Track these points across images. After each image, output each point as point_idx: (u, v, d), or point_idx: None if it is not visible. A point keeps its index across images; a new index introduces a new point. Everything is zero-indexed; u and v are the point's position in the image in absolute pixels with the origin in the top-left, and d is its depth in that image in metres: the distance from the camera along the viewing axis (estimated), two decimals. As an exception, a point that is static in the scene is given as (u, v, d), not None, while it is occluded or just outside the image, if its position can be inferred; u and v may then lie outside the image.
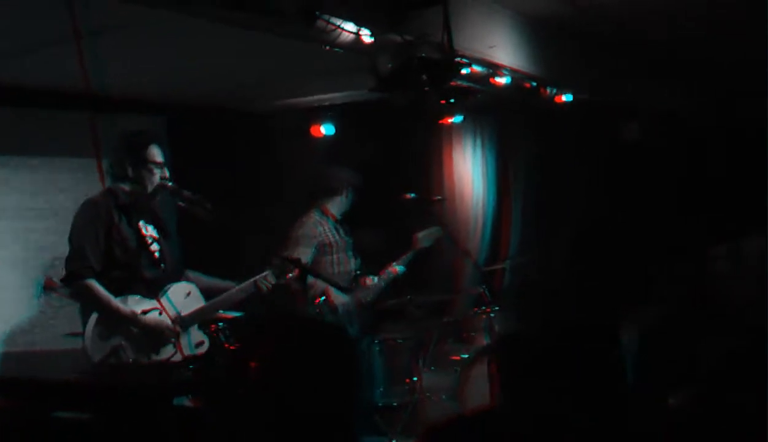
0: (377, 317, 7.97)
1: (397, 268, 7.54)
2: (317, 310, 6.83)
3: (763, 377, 3.47)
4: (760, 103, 7.93)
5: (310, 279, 6.36)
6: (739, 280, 6.99)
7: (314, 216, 7.38)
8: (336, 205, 7.50)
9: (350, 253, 7.48)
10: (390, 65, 5.76)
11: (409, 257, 7.59)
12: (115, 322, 5.25)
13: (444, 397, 7.49)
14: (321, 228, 7.33)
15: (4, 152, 6.98)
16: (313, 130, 8.66)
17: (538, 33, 7.35)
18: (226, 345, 5.88)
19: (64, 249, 5.40)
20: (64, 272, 5.31)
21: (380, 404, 7.58)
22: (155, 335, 5.36)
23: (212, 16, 5.01)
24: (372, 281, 7.52)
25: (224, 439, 3.48)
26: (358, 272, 7.52)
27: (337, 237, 7.40)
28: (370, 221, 8.20)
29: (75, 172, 7.25)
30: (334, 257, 7.33)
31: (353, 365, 3.23)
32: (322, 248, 7.27)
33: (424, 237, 7.60)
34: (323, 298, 6.91)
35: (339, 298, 7.19)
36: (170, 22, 5.35)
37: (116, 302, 5.25)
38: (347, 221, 7.59)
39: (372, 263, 7.63)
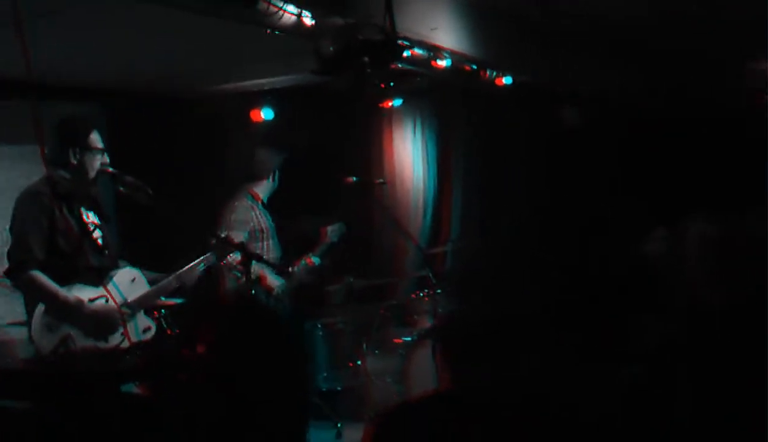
0: (318, 301, 7.99)
1: (312, 259, 7.54)
2: (252, 293, 6.82)
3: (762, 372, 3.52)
4: (703, 92, 8.06)
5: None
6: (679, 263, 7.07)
7: (246, 201, 7.35)
8: (263, 189, 7.48)
9: (275, 240, 7.46)
10: (332, 48, 5.73)
11: (322, 249, 7.61)
12: (63, 312, 5.16)
13: (389, 380, 7.52)
14: (253, 213, 7.31)
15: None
16: (252, 114, 8.60)
17: (480, 15, 7.36)
18: (169, 331, 5.84)
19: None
20: (5, 265, 5.22)
21: (324, 389, 7.59)
22: (104, 323, 5.29)
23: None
24: (290, 269, 7.52)
25: (171, 425, 3.45)
26: (280, 259, 7.52)
27: (266, 223, 7.38)
28: (310, 205, 8.20)
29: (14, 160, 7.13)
30: (264, 243, 7.31)
31: (297, 347, 3.21)
32: (254, 234, 7.25)
33: (332, 232, 7.63)
34: (256, 280, 6.89)
35: (274, 282, 7.19)
36: (106, 6, 5.28)
37: (62, 291, 5.17)
38: (272, 206, 7.57)
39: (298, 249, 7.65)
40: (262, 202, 7.45)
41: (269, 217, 7.44)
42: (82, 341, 5.18)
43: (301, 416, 3.14)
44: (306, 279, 7.57)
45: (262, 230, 7.30)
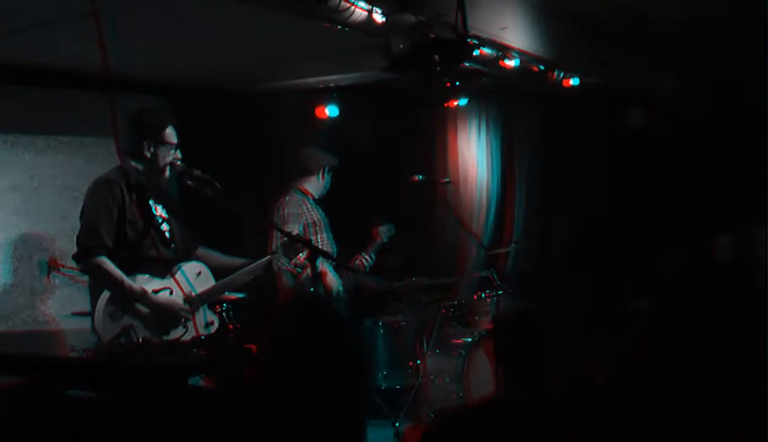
0: (376, 300, 7.97)
1: (364, 258, 7.53)
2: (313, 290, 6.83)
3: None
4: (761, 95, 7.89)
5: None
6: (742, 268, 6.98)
7: (296, 195, 7.34)
8: (313, 185, 7.46)
9: (329, 234, 7.45)
10: (402, 46, 5.70)
11: (375, 248, 7.61)
12: (126, 301, 5.21)
13: (447, 380, 7.49)
14: (305, 207, 7.29)
15: (16, 131, 6.92)
16: (317, 111, 8.60)
17: (549, 16, 7.28)
18: (230, 326, 5.86)
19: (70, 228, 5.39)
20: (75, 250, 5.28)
21: (383, 387, 7.58)
22: (166, 315, 5.34)
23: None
24: (350, 264, 7.52)
25: (235, 420, 3.44)
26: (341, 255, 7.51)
27: (317, 218, 7.37)
28: (374, 205, 8.18)
29: (88, 151, 7.18)
30: (319, 236, 7.29)
31: (357, 345, 3.20)
32: (307, 228, 7.23)
33: (383, 232, 7.62)
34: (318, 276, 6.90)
35: (334, 280, 7.18)
36: (172, 1, 5.30)
37: (128, 280, 5.21)
38: (328, 202, 7.57)
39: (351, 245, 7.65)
40: (313, 198, 7.44)
41: (321, 211, 7.43)
42: (143, 332, 5.23)
43: (359, 414, 3.13)
44: (365, 277, 7.57)
45: (314, 223, 7.28)
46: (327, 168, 7.45)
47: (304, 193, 7.39)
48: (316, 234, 7.27)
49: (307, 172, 7.45)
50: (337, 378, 3.03)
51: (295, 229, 7.00)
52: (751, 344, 3.33)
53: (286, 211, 7.17)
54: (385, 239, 7.64)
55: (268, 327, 4.66)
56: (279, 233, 6.61)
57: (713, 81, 8.43)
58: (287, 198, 7.29)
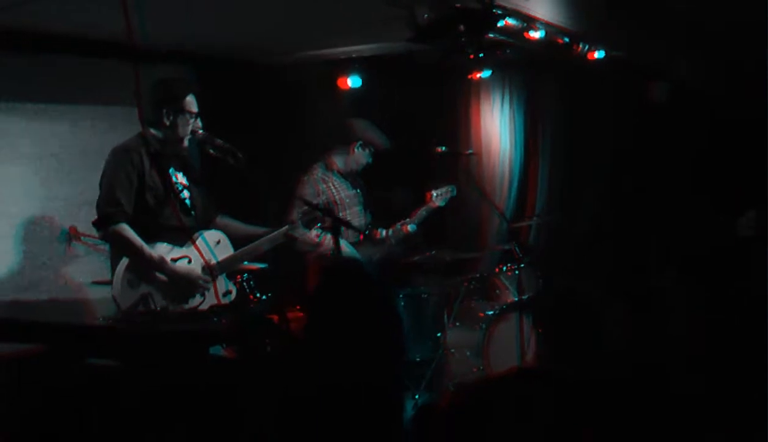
0: (399, 271, 7.93)
1: (408, 226, 7.47)
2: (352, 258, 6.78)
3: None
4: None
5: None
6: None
7: (317, 172, 7.28)
8: (342, 159, 7.39)
9: (360, 208, 7.40)
10: (427, 15, 5.66)
11: (421, 215, 7.52)
12: (145, 268, 5.22)
13: (468, 353, 7.48)
14: (324, 185, 7.23)
15: (35, 100, 6.90)
16: (339, 82, 8.54)
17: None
18: (251, 296, 5.85)
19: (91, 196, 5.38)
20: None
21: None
22: (184, 283, 5.34)
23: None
24: (380, 234, 7.46)
25: (259, 389, 3.43)
26: (369, 226, 7.46)
27: (344, 193, 7.31)
28: (397, 175, 8.14)
29: (110, 119, 7.16)
30: (343, 213, 7.23)
31: (393, 310, 3.18)
32: (328, 205, 7.18)
33: (438, 196, 7.52)
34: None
35: (349, 251, 7.14)
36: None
37: (147, 247, 5.22)
38: (360, 175, 7.51)
39: (389, 217, 7.58)
40: (341, 172, 7.38)
41: (349, 185, 7.37)
42: (161, 301, 5.24)
43: (396, 385, 3.11)
44: (394, 247, 7.52)
45: (336, 202, 7.23)
46: (360, 143, 7.37)
47: (328, 167, 7.34)
48: (340, 211, 7.21)
49: (340, 145, 7.39)
50: (371, 345, 3.01)
51: (314, 201, 6.96)
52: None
53: (302, 193, 7.12)
54: (442, 204, 7.57)
55: (297, 296, 4.65)
56: (299, 204, 6.59)
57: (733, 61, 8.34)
58: (305, 177, 7.25)
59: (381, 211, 7.63)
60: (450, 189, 7.56)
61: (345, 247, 7.06)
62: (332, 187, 7.26)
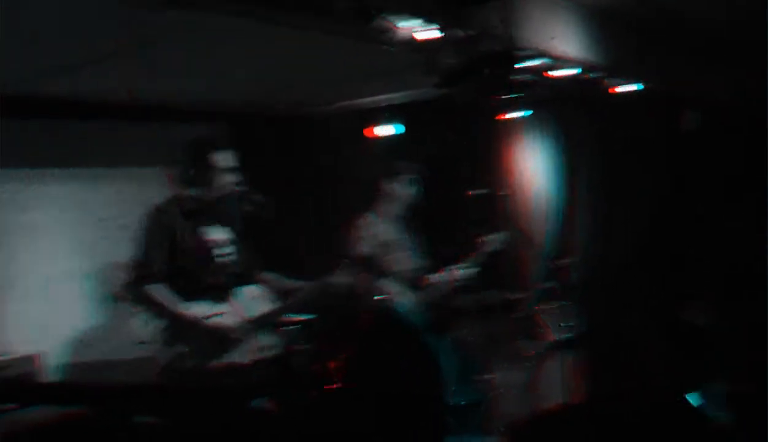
0: (447, 316, 7.92)
1: (459, 271, 7.44)
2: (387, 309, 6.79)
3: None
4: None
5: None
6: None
7: (368, 218, 7.29)
8: (389, 204, 7.39)
9: (408, 253, 7.39)
10: (453, 61, 5.72)
11: (473, 260, 7.50)
12: (179, 327, 5.29)
13: (517, 393, 7.45)
14: (375, 229, 7.23)
15: (68, 165, 7.05)
16: (368, 131, 8.60)
17: (598, 23, 7.27)
18: (294, 348, 5.88)
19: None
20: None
21: (452, 403, 7.54)
22: (218, 340, 5.37)
23: (264, 17, 4.97)
24: (429, 279, 7.44)
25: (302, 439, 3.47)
26: (419, 271, 7.45)
27: (393, 237, 7.30)
28: (436, 218, 8.16)
29: (140, 182, 7.28)
30: (391, 258, 7.23)
31: (433, 361, 3.21)
32: (373, 253, 7.15)
33: (493, 241, 7.52)
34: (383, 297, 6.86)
35: (394, 300, 7.13)
36: (221, 27, 5.35)
37: (178, 307, 5.28)
38: (408, 219, 7.52)
39: (437, 261, 7.57)
40: (390, 217, 7.37)
41: (397, 230, 7.36)
42: (195, 358, 5.29)
43: (438, 432, 3.14)
44: (442, 292, 7.47)
45: (386, 245, 7.22)
46: (396, 183, 7.39)
47: (377, 213, 7.34)
48: (392, 256, 7.22)
49: (384, 192, 7.39)
50: (414, 395, 3.04)
51: (362, 251, 6.99)
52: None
53: (354, 235, 7.12)
54: (496, 248, 7.55)
55: (342, 347, 4.70)
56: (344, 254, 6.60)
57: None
58: (358, 221, 7.25)
59: (430, 256, 7.62)
60: (504, 235, 7.57)
61: (391, 294, 7.09)
62: (381, 233, 7.25)
